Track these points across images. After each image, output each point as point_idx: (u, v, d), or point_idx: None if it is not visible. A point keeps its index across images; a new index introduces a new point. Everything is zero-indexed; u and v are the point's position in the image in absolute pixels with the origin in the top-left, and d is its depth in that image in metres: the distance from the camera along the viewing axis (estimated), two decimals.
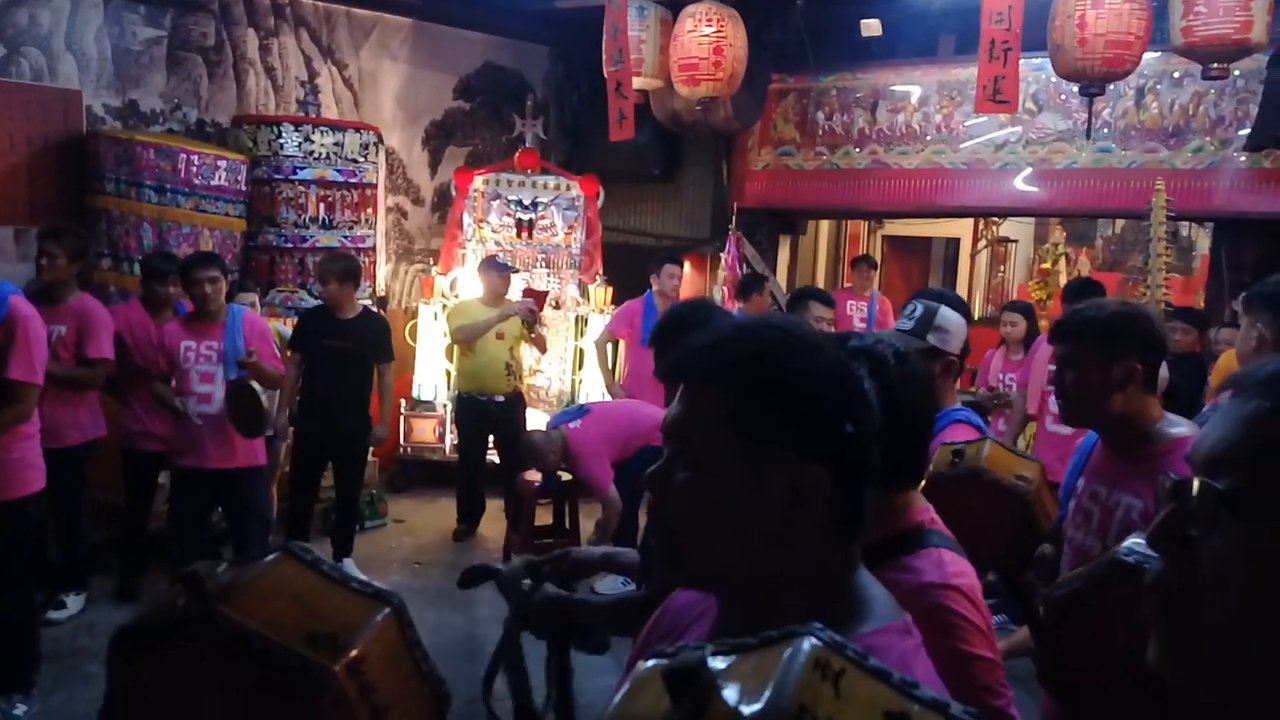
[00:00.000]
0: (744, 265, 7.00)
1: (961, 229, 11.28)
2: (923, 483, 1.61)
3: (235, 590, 0.82)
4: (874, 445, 0.97)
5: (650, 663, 0.63)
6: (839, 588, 0.96)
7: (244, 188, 5.76)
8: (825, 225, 9.85)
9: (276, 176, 5.92)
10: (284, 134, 5.91)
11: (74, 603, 4.56)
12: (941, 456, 1.91)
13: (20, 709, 3.59)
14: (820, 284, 9.16)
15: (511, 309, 5.84)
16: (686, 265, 6.68)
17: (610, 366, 6.38)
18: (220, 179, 5.55)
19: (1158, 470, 1.16)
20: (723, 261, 6.97)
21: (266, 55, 6.45)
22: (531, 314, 5.82)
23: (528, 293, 6.05)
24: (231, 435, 4.33)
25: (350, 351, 5.01)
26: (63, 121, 5.50)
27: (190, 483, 4.41)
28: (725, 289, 6.74)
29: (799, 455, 0.92)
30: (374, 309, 5.71)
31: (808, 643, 0.61)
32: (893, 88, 7.07)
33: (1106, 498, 2.00)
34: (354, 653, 0.80)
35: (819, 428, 0.93)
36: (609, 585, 5.21)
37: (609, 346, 6.33)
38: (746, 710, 0.55)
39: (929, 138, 6.93)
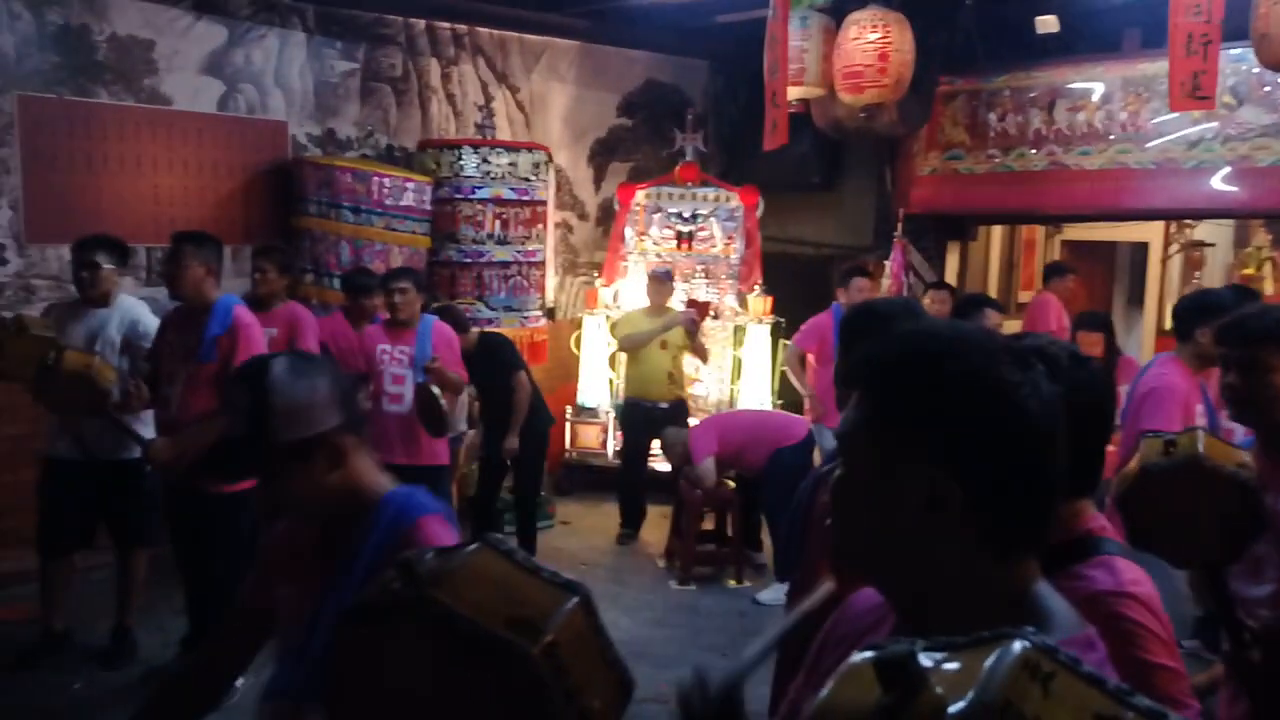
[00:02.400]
0: (909, 273, 6.89)
1: (1150, 233, 10.61)
2: (1133, 473, 1.55)
3: (443, 576, 0.91)
4: (1037, 455, 0.93)
5: (860, 655, 0.64)
6: (1004, 598, 0.94)
7: (429, 207, 6.17)
8: (997, 231, 9.51)
9: (457, 196, 6.31)
10: (464, 156, 6.30)
11: None
12: (1151, 447, 1.81)
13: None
14: (992, 292, 8.86)
15: (675, 319, 6.02)
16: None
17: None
18: (408, 199, 5.98)
19: None
20: (886, 269, 6.88)
21: (447, 83, 6.88)
22: (694, 324, 5.97)
23: (690, 304, 6.21)
24: (418, 434, 4.65)
25: (484, 384, 5.37)
26: (271, 150, 6.07)
27: None
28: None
29: (932, 461, 0.92)
30: (490, 331, 5.80)
31: (1018, 644, 0.61)
32: (1071, 85, 6.78)
33: (1274, 504, 1.92)
34: (549, 637, 0.87)
35: (955, 435, 0.92)
36: (772, 595, 5.27)
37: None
38: (954, 702, 0.57)
39: (1112, 137, 6.61)
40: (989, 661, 0.59)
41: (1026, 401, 0.92)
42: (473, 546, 0.98)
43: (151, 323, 4.16)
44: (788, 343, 6.92)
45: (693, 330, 5.99)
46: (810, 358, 6.00)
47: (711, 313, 6.93)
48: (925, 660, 0.61)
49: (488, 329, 5.79)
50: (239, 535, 3.89)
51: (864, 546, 0.99)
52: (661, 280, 6.14)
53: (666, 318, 6.07)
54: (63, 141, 5.30)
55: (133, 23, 5.48)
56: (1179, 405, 3.55)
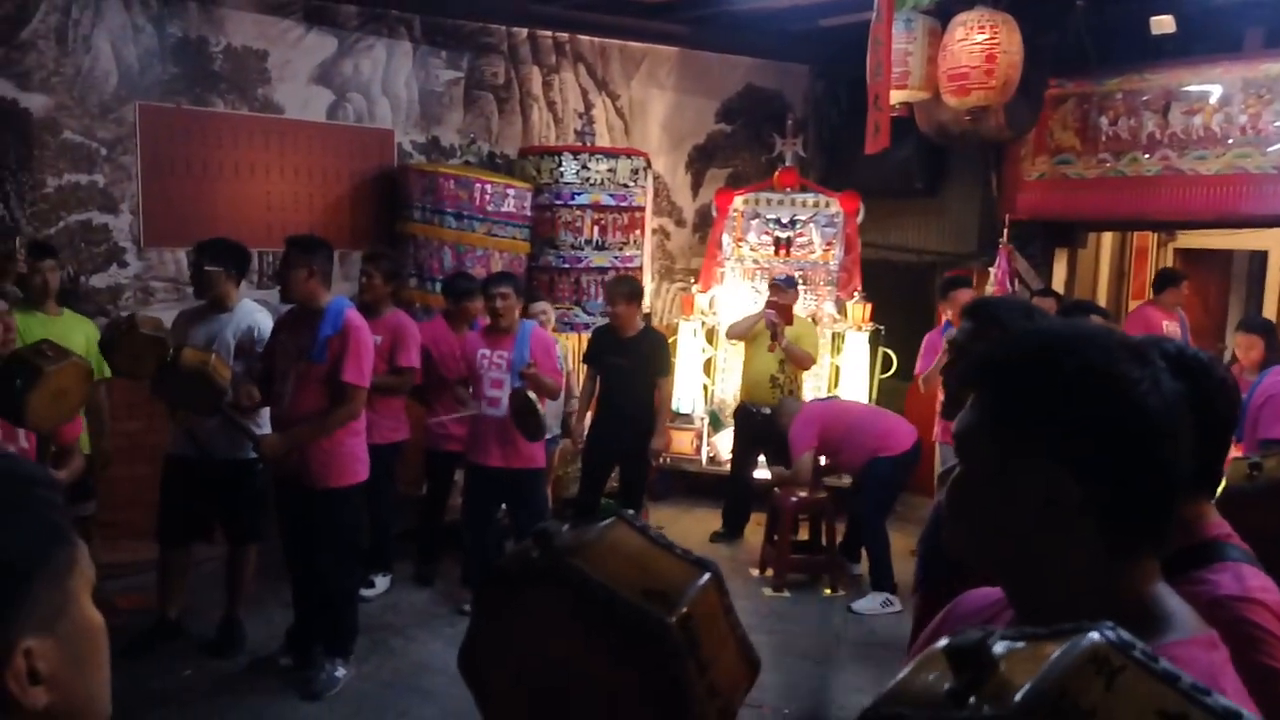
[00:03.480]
0: (1015, 280, 6.69)
1: (1269, 240, 10.08)
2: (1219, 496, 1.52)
3: (579, 547, 0.92)
4: (1157, 452, 0.92)
5: (939, 643, 0.66)
6: (1122, 597, 0.93)
7: (529, 213, 6.25)
8: (1108, 238, 9.16)
9: (557, 202, 6.38)
10: (564, 163, 6.37)
11: (381, 583, 5.12)
12: (1236, 470, 1.79)
13: (340, 671, 4.09)
14: (1102, 300, 8.54)
15: (758, 317, 5.96)
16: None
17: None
18: (509, 206, 6.07)
19: None
20: (991, 276, 6.69)
21: (549, 90, 6.97)
22: (774, 325, 5.87)
23: (770, 304, 6.09)
24: (515, 438, 4.70)
25: (631, 368, 5.34)
26: (378, 157, 6.23)
27: (479, 479, 4.85)
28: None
29: (1050, 459, 0.92)
30: (657, 328, 5.99)
31: (1090, 637, 0.61)
32: (1187, 88, 6.50)
33: None
34: (684, 610, 0.88)
35: (1072, 432, 0.92)
36: (867, 604, 5.17)
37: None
38: (1018, 689, 0.58)
39: (1231, 140, 6.30)
40: (1056, 653, 0.60)
41: (1146, 398, 0.91)
42: (608, 521, 0.99)
43: (267, 326, 4.30)
44: (888, 350, 6.80)
45: (773, 329, 5.89)
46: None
47: (809, 318, 6.84)
48: (999, 648, 0.62)
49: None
50: (343, 531, 3.99)
51: (982, 545, 1.00)
52: (782, 289, 6.07)
53: (754, 314, 6.03)
54: (180, 149, 5.54)
55: (247, 34, 5.70)
56: None
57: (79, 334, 4.26)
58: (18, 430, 3.13)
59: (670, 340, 7.17)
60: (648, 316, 7.20)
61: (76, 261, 5.22)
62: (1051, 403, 0.92)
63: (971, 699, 0.59)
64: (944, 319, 5.79)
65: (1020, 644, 0.63)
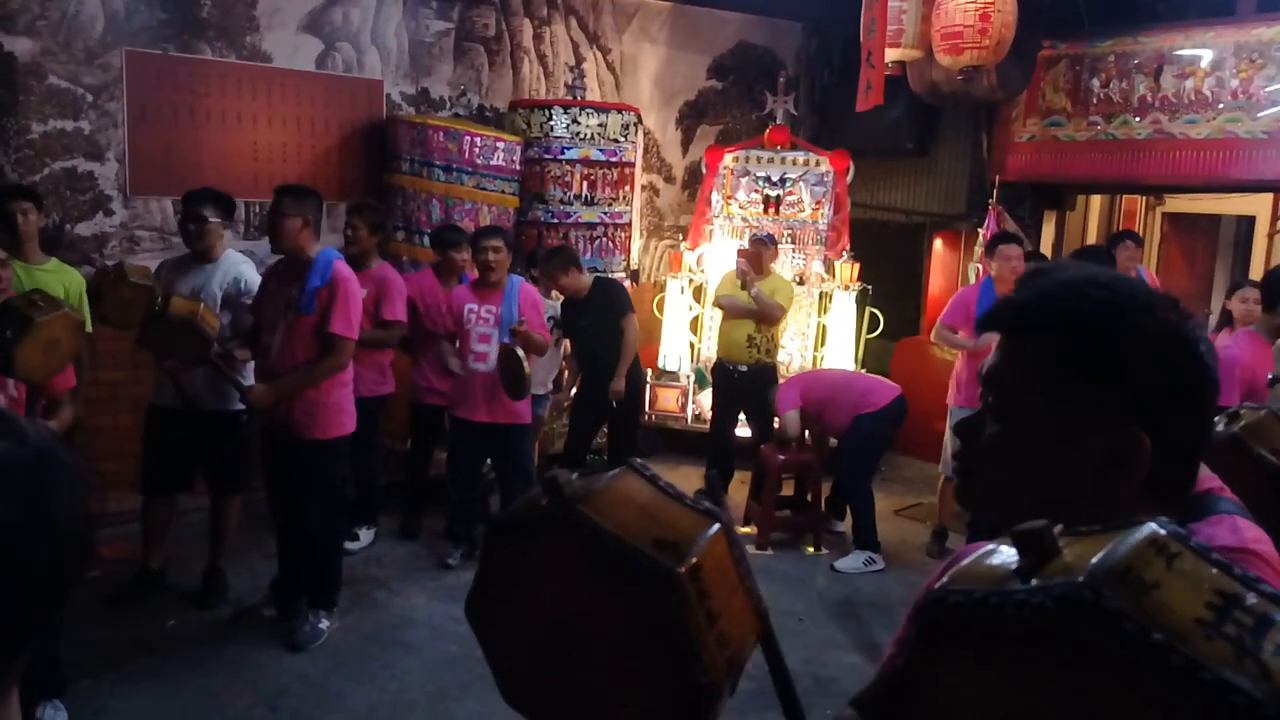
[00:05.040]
0: None
1: (1257, 205, 10.11)
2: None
3: (589, 495, 0.91)
4: (1211, 407, 0.93)
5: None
6: None
7: (518, 167, 6.20)
8: (1096, 200, 9.18)
9: (546, 156, 6.32)
10: (554, 116, 6.30)
11: (366, 536, 5.14)
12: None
13: (324, 623, 4.11)
14: None
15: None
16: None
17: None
18: (498, 159, 6.01)
19: None
20: (980, 238, 6.71)
21: (539, 43, 6.88)
22: (743, 275, 5.78)
23: (740, 253, 6.02)
24: (501, 393, 4.70)
25: (595, 325, 5.36)
26: (367, 109, 6.15)
27: (464, 433, 4.86)
28: (980, 266, 6.47)
29: (1119, 418, 0.89)
30: (604, 275, 5.94)
31: (1149, 526, 0.64)
32: (1180, 51, 6.48)
33: None
34: (694, 559, 0.88)
35: (1143, 391, 0.90)
36: (850, 563, 5.24)
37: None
38: (1083, 568, 0.60)
39: (1221, 105, 6.31)
40: (1117, 538, 0.62)
41: (1204, 356, 0.92)
42: (616, 470, 0.99)
43: (254, 278, 4.26)
44: (875, 310, 6.80)
45: (741, 278, 5.77)
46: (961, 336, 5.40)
47: (796, 278, 6.83)
48: (1061, 540, 0.64)
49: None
50: (331, 483, 4.00)
51: (1019, 500, 0.95)
52: (762, 243, 6.03)
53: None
54: (166, 96, 5.44)
55: None
56: (1238, 380, 3.50)
57: (56, 284, 4.14)
58: (7, 380, 3.11)
59: (657, 298, 7.20)
60: (635, 274, 7.20)
61: (62, 209, 5.16)
62: (1129, 362, 0.89)
63: (1037, 574, 0.61)
64: (984, 275, 5.62)
65: (1079, 537, 0.65)
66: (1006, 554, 0.65)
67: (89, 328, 4.09)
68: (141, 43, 5.32)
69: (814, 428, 5.69)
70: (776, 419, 5.64)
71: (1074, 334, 0.91)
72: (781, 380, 5.92)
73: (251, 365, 4.10)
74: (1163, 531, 0.64)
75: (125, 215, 5.39)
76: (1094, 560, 0.60)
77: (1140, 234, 7.94)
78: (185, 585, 4.43)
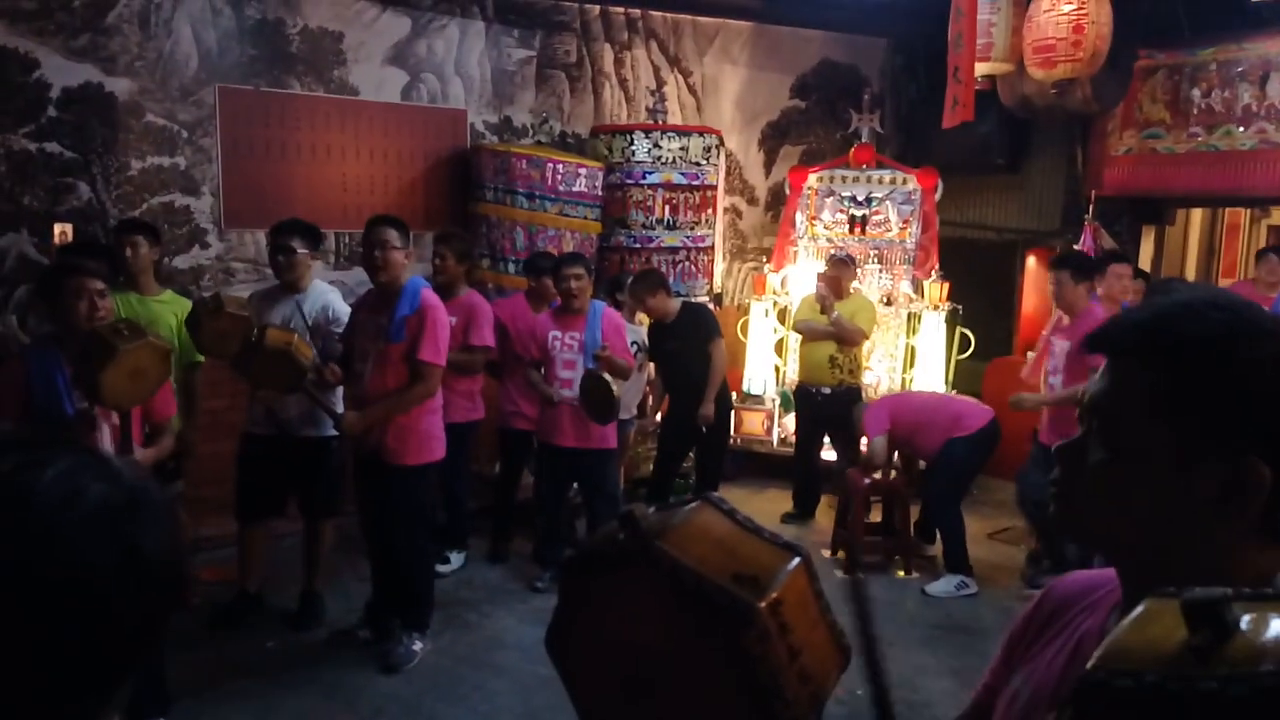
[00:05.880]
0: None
1: None
2: None
3: (667, 530, 0.91)
4: None
5: (1156, 599, 0.63)
6: (1253, 584, 0.90)
7: (600, 193, 6.22)
8: (1197, 215, 8.81)
9: (628, 181, 6.34)
10: (635, 141, 6.32)
11: (456, 559, 5.18)
12: None
13: (418, 644, 4.15)
14: (1190, 279, 8.23)
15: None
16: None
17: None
18: (581, 185, 6.04)
19: None
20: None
21: (620, 68, 6.92)
22: (823, 299, 5.77)
23: (820, 277, 5.99)
24: (587, 418, 4.71)
25: (682, 349, 5.37)
26: (451, 138, 6.26)
27: (551, 459, 4.87)
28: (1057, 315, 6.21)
29: (1237, 449, 0.85)
30: (692, 300, 5.98)
31: None
32: None
33: None
34: (774, 594, 0.86)
35: (1265, 420, 0.85)
36: (941, 587, 5.08)
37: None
38: (1264, 651, 0.55)
39: None
40: None
41: None
42: (694, 504, 0.98)
43: (341, 308, 4.36)
44: (966, 331, 6.65)
45: (821, 302, 5.77)
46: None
47: (883, 299, 6.71)
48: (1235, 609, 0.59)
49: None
50: (419, 508, 4.04)
51: (1121, 529, 0.92)
52: (841, 265, 5.95)
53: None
54: (258, 131, 5.62)
55: (323, 15, 5.75)
56: None
57: (169, 315, 4.29)
58: (110, 410, 3.21)
59: (741, 321, 7.13)
60: (718, 297, 7.16)
61: (160, 243, 5.35)
62: (1251, 389, 0.86)
63: (1218, 657, 0.56)
64: (1094, 295, 5.34)
65: (1252, 604, 0.60)
66: (1158, 618, 0.60)
67: (197, 357, 4.22)
68: (233, 79, 5.50)
69: (904, 450, 5.56)
70: (863, 440, 5.52)
71: (1192, 358, 0.87)
72: (867, 402, 5.80)
73: (340, 391, 4.17)
74: None
75: (220, 248, 5.57)
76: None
77: (1245, 247, 7.62)
78: (282, 608, 4.52)
